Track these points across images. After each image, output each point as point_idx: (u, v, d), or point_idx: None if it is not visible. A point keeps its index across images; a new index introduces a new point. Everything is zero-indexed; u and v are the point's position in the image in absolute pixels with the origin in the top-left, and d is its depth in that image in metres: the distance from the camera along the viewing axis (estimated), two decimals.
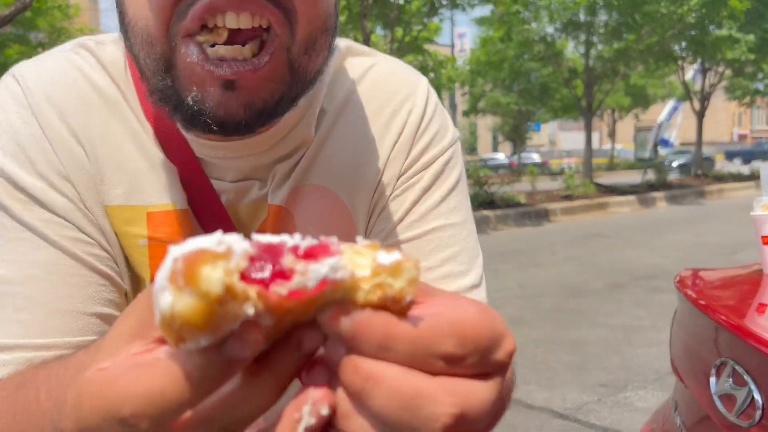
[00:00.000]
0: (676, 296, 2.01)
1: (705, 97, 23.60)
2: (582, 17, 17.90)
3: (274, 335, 0.34)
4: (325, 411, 0.34)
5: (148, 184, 0.73)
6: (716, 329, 1.57)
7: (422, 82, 0.86)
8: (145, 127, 0.74)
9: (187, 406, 0.33)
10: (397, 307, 0.35)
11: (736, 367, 1.41)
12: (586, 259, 9.03)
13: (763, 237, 1.82)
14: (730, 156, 43.35)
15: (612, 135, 37.41)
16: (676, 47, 20.10)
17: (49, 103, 0.71)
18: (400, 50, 14.39)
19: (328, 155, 0.79)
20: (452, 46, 31.26)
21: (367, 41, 12.44)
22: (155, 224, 0.73)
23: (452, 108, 29.82)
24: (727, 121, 67.93)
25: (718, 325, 1.54)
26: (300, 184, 0.78)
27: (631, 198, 16.90)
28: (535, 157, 31.48)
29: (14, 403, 0.55)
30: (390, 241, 0.80)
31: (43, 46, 17.28)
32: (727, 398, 1.43)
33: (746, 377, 1.37)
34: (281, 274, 0.33)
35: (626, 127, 53.06)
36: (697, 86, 24.22)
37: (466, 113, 27.86)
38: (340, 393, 0.35)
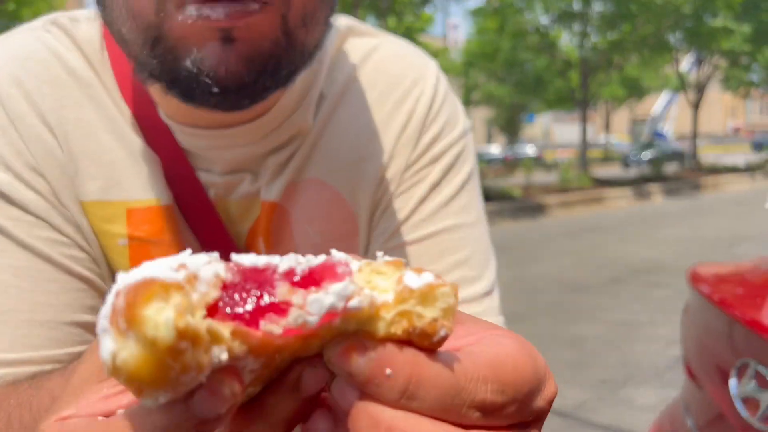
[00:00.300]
0: (688, 291, 1.92)
1: (700, 88, 23.63)
2: (577, 7, 17.86)
3: (267, 375, 0.28)
4: None
5: (127, 176, 0.67)
6: (734, 327, 1.51)
7: (431, 66, 0.79)
8: (124, 112, 0.67)
9: None
10: (426, 342, 0.28)
11: (760, 369, 1.33)
12: (583, 254, 9.00)
13: None
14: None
15: (607, 127, 37.47)
16: (672, 38, 20.08)
17: (17, 87, 0.64)
18: None
19: (328, 146, 0.73)
20: (445, 37, 31.19)
21: None
22: (136, 222, 0.67)
23: None
24: (721, 113, 68.26)
25: (737, 323, 1.47)
26: (297, 178, 0.72)
27: (627, 191, 16.88)
28: (530, 150, 31.42)
29: None
30: (395, 242, 0.73)
31: None
32: (750, 401, 1.36)
33: None
34: (274, 308, 0.26)
35: (621, 118, 53.24)
36: (692, 77, 24.27)
37: None
38: None
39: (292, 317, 0.26)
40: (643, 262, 8.23)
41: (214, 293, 0.26)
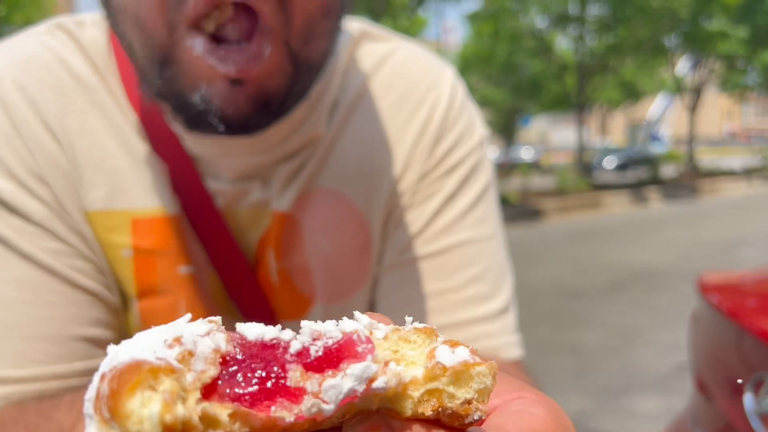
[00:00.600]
0: (695, 299, 1.86)
1: (696, 92, 23.69)
2: (573, 10, 17.91)
3: None
4: None
5: (132, 184, 0.65)
6: (746, 339, 1.45)
7: (447, 71, 0.77)
8: (130, 118, 0.66)
9: None
10: (456, 422, 0.26)
11: None
12: (582, 259, 8.96)
13: None
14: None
15: (603, 130, 37.57)
16: (668, 41, 20.15)
17: (21, 93, 0.63)
18: None
19: (342, 154, 0.71)
20: (438, 40, 31.29)
21: None
22: (141, 232, 0.65)
23: None
24: (717, 116, 68.57)
25: (748, 335, 1.41)
26: (309, 187, 0.70)
27: (625, 195, 16.87)
28: (526, 154, 31.38)
29: None
30: (409, 255, 0.71)
31: None
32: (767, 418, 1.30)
33: None
34: (285, 391, 0.23)
35: (617, 121, 53.42)
36: (688, 80, 24.33)
37: None
38: None
39: (306, 406, 0.24)
40: (642, 266, 8.18)
41: (212, 371, 0.23)
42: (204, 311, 0.69)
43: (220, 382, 0.23)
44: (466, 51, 23.50)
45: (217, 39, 0.52)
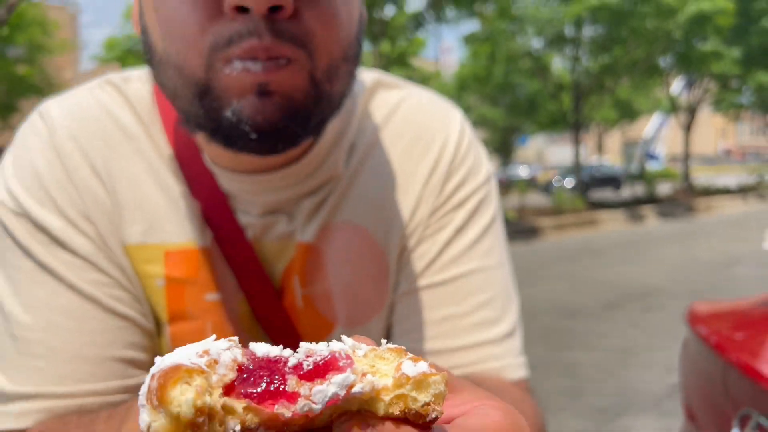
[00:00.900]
0: (686, 330, 1.87)
1: (691, 111, 23.83)
2: (568, 32, 18.06)
3: None
4: None
5: (167, 221, 0.73)
6: (731, 373, 1.45)
7: (455, 115, 0.84)
8: (168, 162, 0.74)
9: None
10: (420, 421, 0.34)
11: (762, 421, 1.29)
12: (578, 277, 8.97)
13: None
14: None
15: (599, 149, 37.71)
16: (662, 61, 20.31)
17: (73, 141, 0.72)
18: (385, 65, 14.34)
19: (360, 191, 0.78)
20: (437, 60, 31.46)
21: None
22: (173, 263, 0.73)
23: None
24: (712, 134, 68.85)
25: (735, 370, 1.42)
26: (330, 220, 0.77)
27: (621, 213, 16.92)
28: (523, 172, 31.35)
29: None
30: (421, 283, 0.78)
31: (21, 62, 17.20)
32: None
33: None
34: (285, 395, 0.32)
35: (613, 140, 53.61)
36: (683, 99, 24.46)
37: None
38: None
39: (299, 406, 0.32)
40: (638, 285, 8.21)
41: (231, 375, 0.31)
42: (229, 334, 0.76)
43: (236, 383, 0.31)
44: (463, 71, 23.65)
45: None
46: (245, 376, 0.32)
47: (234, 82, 0.59)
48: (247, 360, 0.32)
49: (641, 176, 24.29)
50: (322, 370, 0.32)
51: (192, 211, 0.73)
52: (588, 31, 18.37)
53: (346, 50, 0.64)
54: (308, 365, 0.32)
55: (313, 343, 0.34)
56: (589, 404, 4.28)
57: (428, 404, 0.33)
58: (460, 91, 24.07)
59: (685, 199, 21.16)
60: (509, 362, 0.77)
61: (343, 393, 0.32)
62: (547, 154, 55.41)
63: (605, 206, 17.85)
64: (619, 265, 9.92)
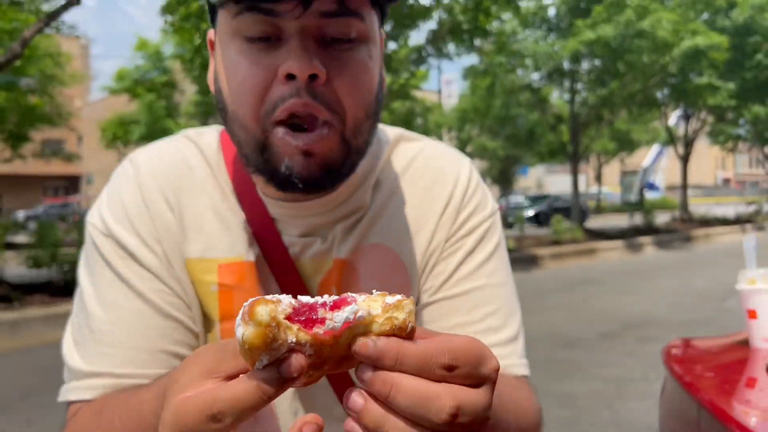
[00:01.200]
0: (664, 370, 1.87)
1: (688, 142, 24.03)
2: (566, 65, 18.30)
3: (320, 369, 0.49)
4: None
5: (220, 241, 0.90)
6: (705, 416, 1.41)
7: (465, 161, 1.01)
8: (227, 197, 0.92)
9: (258, 407, 0.47)
10: (403, 333, 0.48)
11: None
12: (576, 307, 9.01)
13: (749, 311, 1.76)
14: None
15: (598, 178, 37.86)
16: (659, 94, 20.53)
17: (154, 180, 0.91)
18: (389, 97, 14.56)
19: (387, 220, 0.93)
20: (440, 92, 31.75)
21: None
22: (224, 273, 0.89)
23: None
24: (710, 164, 69.02)
25: (707, 413, 1.39)
26: (362, 242, 0.92)
27: (619, 243, 17.01)
28: (522, 201, 31.34)
29: (97, 424, 0.75)
30: (439, 296, 0.93)
31: (33, 92, 17.39)
32: None
33: None
34: (320, 321, 0.47)
35: (612, 170, 53.76)
36: (681, 131, 24.64)
37: None
38: (372, 404, 0.47)
39: (327, 325, 0.47)
40: (635, 315, 8.24)
41: (289, 310, 0.46)
42: None
43: (292, 314, 0.47)
44: (463, 103, 23.88)
45: (292, 126, 0.77)
46: (297, 311, 0.47)
47: (284, 146, 0.77)
48: (297, 303, 0.47)
49: (640, 206, 24.44)
50: (338, 304, 0.48)
51: (242, 233, 0.90)
52: (585, 65, 18.62)
53: (368, 110, 0.81)
54: (330, 302, 0.48)
55: (334, 296, 0.51)
56: None
57: (406, 320, 0.48)
58: (460, 122, 24.30)
59: (684, 228, 21.22)
60: (513, 362, 0.93)
61: (352, 317, 0.47)
62: (546, 183, 55.54)
63: (604, 236, 17.91)
64: (617, 294, 9.95)
